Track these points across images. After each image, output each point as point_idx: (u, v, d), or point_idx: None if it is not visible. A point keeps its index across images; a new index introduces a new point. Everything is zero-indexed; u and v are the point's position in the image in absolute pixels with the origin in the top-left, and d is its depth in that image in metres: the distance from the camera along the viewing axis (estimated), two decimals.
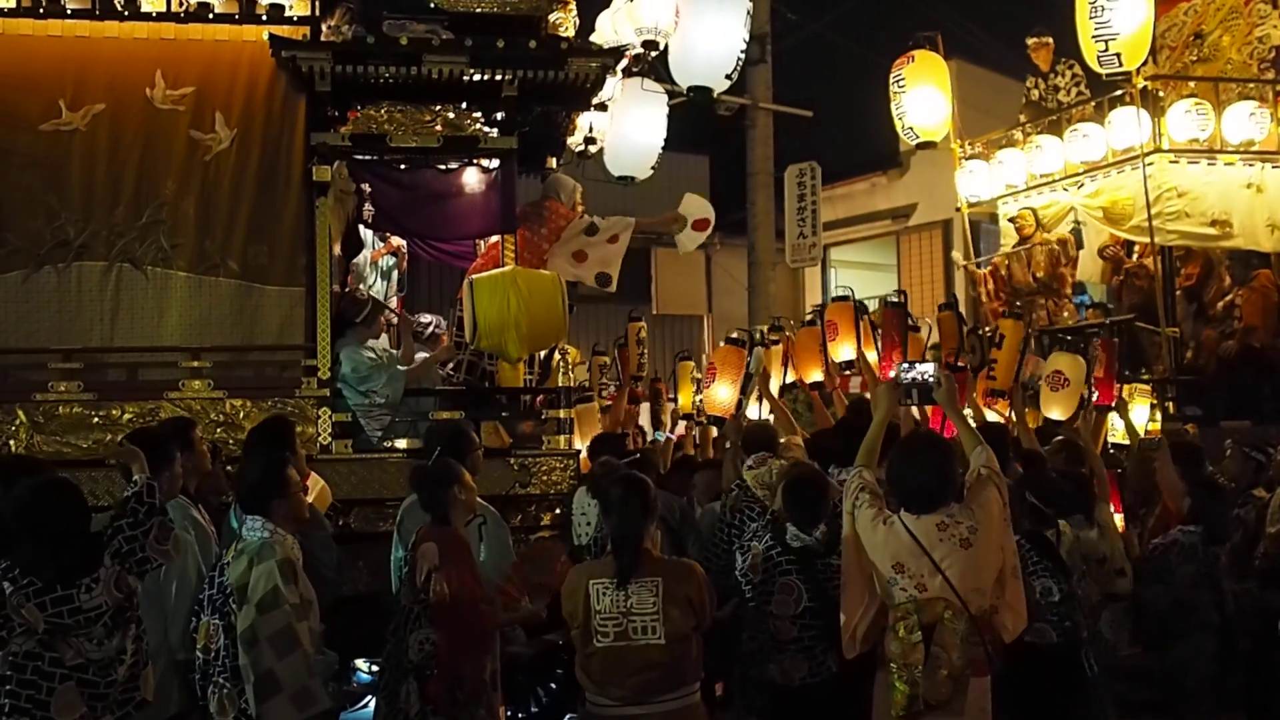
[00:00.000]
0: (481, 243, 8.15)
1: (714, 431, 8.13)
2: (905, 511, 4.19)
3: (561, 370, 7.14)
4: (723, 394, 7.62)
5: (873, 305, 9.32)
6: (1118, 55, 8.83)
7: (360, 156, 7.09)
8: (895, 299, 7.95)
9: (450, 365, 7.53)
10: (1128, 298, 10.67)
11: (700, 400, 8.55)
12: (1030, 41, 11.75)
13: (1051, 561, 5.60)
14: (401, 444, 6.80)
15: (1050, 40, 11.54)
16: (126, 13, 6.76)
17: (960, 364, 7.71)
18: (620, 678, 4.20)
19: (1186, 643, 5.71)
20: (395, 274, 8.97)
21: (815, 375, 7.96)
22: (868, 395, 7.14)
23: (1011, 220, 11.42)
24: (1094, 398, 7.71)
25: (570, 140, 8.76)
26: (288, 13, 6.90)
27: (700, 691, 4.40)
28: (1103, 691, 5.73)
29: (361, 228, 8.07)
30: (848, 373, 7.89)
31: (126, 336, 6.64)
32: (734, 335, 8.07)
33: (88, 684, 3.84)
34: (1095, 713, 5.68)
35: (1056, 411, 7.06)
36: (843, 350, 7.78)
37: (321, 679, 5.24)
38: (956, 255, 11.51)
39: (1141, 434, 8.17)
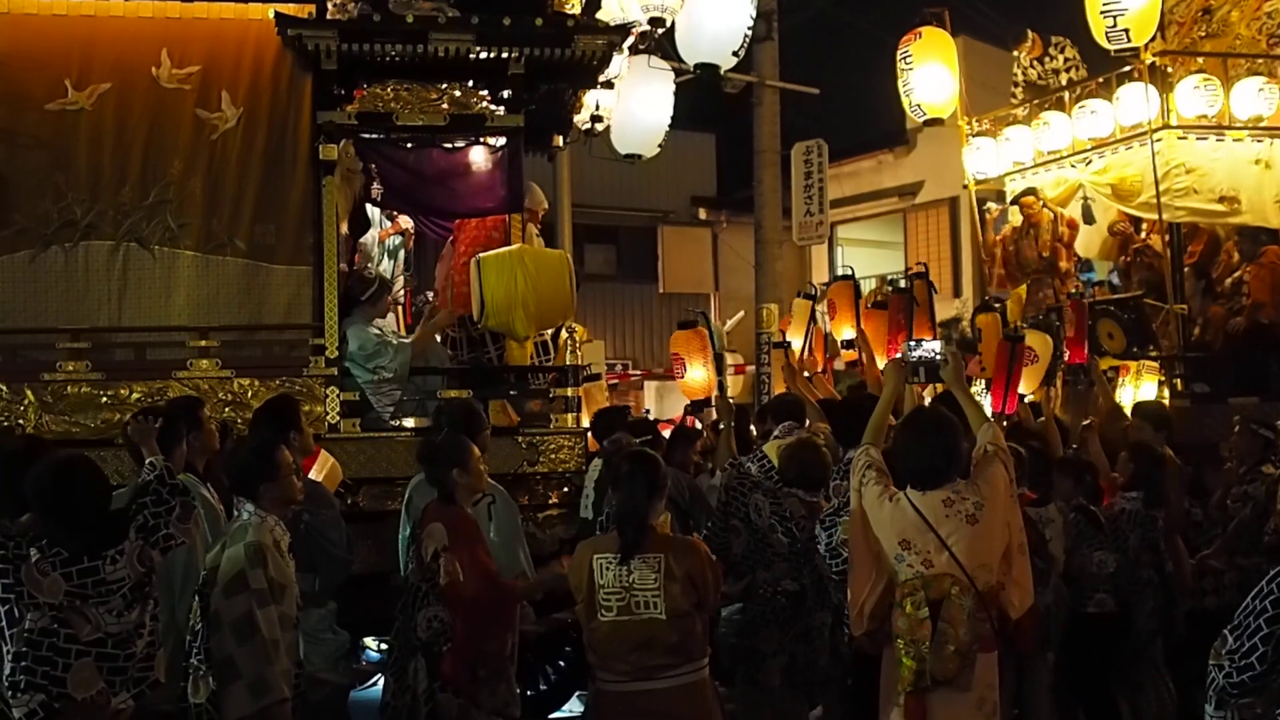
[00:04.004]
0: None
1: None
2: (911, 488, 4.19)
3: (569, 348, 7.12)
4: (698, 376, 7.55)
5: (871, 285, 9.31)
6: (1126, 31, 8.76)
7: (367, 135, 7.08)
8: (898, 283, 7.90)
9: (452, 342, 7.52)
10: (1137, 275, 10.64)
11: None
12: (1018, 49, 11.69)
13: (1102, 534, 5.78)
14: (410, 423, 6.81)
15: (1034, 38, 11.48)
16: None
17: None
18: (623, 652, 4.21)
19: (1130, 600, 5.95)
20: (402, 253, 8.96)
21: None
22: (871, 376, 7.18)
23: (1015, 202, 11.38)
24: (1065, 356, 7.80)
25: (577, 118, 8.73)
26: None
27: (709, 668, 4.41)
28: (1159, 656, 6.00)
29: (369, 207, 8.07)
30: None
31: (134, 316, 6.65)
32: (685, 319, 7.92)
33: (106, 657, 3.92)
34: (1152, 677, 5.87)
35: (1022, 385, 7.17)
36: (843, 330, 7.77)
37: (333, 659, 5.30)
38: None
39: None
